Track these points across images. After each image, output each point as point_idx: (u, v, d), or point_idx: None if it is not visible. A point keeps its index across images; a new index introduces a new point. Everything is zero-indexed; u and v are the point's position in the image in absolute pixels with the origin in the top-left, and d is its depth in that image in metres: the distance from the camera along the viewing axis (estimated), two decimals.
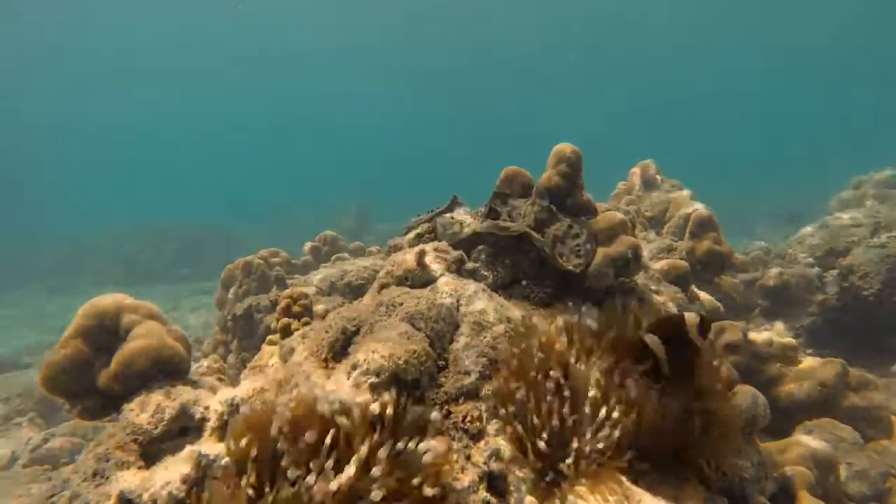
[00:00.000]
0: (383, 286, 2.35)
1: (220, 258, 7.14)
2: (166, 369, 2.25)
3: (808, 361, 3.80)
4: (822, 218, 6.61)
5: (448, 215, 2.75)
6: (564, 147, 2.79)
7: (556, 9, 40.35)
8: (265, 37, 43.60)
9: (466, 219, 2.72)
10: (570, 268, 2.44)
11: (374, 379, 1.68)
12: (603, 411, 1.57)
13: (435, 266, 2.37)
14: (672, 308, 2.86)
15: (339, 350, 2.00)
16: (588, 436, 1.56)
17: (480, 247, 2.53)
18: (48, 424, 5.85)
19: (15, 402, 6.48)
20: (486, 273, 2.47)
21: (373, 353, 1.74)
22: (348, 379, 1.73)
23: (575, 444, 1.55)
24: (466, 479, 1.58)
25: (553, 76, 47.44)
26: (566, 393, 1.59)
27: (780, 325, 3.81)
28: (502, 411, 1.71)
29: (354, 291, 5.13)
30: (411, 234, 2.82)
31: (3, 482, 3.72)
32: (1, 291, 16.30)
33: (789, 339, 3.91)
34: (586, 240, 2.47)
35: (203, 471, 1.76)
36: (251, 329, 4.78)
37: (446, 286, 2.19)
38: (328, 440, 1.38)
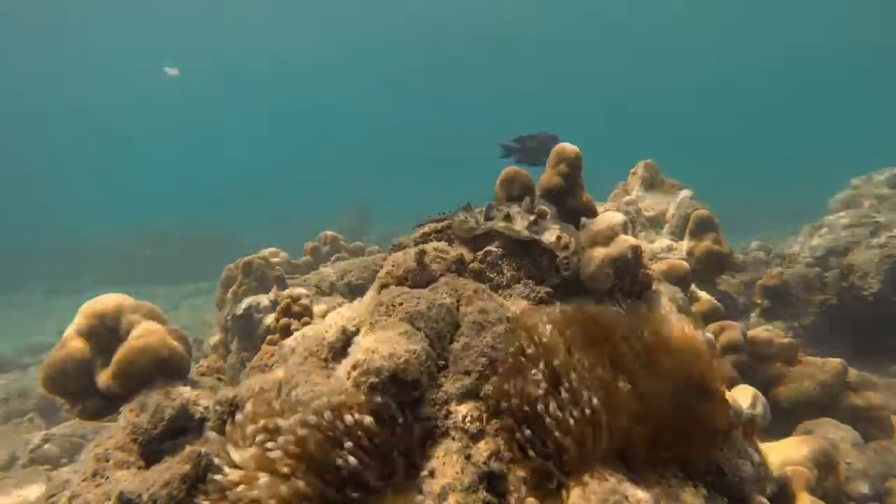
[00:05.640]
0: (383, 286, 2.35)
1: (220, 258, 7.13)
2: (166, 369, 2.25)
3: (808, 361, 3.79)
4: (822, 218, 6.61)
5: (464, 215, 2.76)
6: (564, 147, 2.79)
7: (556, 7, 40.36)
8: (265, 36, 43.60)
9: (479, 218, 2.72)
10: (556, 282, 2.45)
11: (373, 379, 1.68)
12: (599, 405, 1.56)
13: (435, 266, 2.37)
14: (673, 309, 2.86)
15: (339, 350, 2.00)
16: (587, 433, 1.56)
17: (488, 248, 2.53)
18: (48, 424, 5.85)
19: (15, 402, 6.48)
20: (491, 275, 2.48)
21: (373, 352, 1.74)
22: (348, 379, 1.73)
23: (575, 443, 1.55)
24: (466, 479, 1.58)
25: (555, 75, 47.43)
26: (563, 390, 1.59)
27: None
28: (503, 405, 1.71)
29: (354, 291, 5.13)
30: (418, 233, 2.82)
31: (3, 482, 3.72)
32: (1, 291, 16.30)
33: (789, 339, 3.91)
34: (573, 252, 2.47)
35: (203, 470, 1.76)
36: (251, 329, 4.78)
37: (446, 286, 2.19)
38: None
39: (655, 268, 3.53)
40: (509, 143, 5.20)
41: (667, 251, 4.69)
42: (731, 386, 2.59)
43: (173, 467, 1.78)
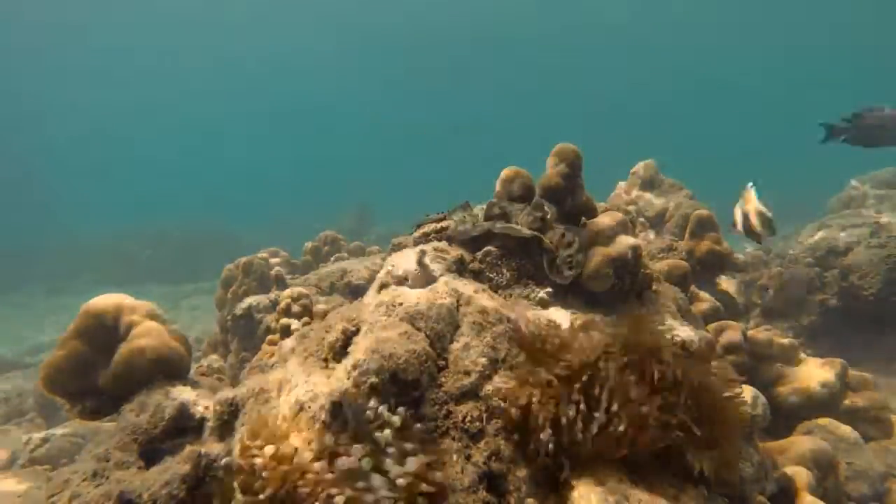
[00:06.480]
0: (383, 286, 2.35)
1: (220, 258, 7.14)
2: (166, 369, 2.25)
3: (808, 361, 3.79)
4: (823, 218, 6.61)
5: (462, 214, 2.75)
6: (564, 147, 2.78)
7: (556, 7, 40.37)
8: (265, 36, 43.60)
9: (479, 216, 2.72)
10: (560, 281, 2.45)
11: (373, 379, 1.68)
12: (605, 404, 1.56)
13: (435, 266, 2.37)
14: (673, 309, 2.86)
15: (339, 350, 2.00)
16: (590, 434, 1.55)
17: (487, 248, 2.52)
18: (48, 424, 5.85)
19: (15, 402, 6.48)
20: (491, 275, 2.47)
21: (373, 352, 1.74)
22: (348, 379, 1.73)
23: (576, 444, 1.55)
24: (466, 479, 1.58)
25: (555, 75, 47.40)
26: (584, 395, 1.59)
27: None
28: (505, 407, 1.70)
29: (354, 291, 5.13)
30: (417, 233, 2.82)
31: (4, 482, 3.72)
32: (1, 291, 16.29)
33: (789, 339, 3.91)
34: (577, 250, 2.47)
35: (203, 470, 1.76)
36: (251, 329, 4.78)
37: (446, 286, 2.19)
38: None
39: (655, 268, 3.53)
40: (840, 124, 4.22)
41: (667, 251, 4.68)
42: (735, 386, 2.59)
43: (173, 467, 1.78)
